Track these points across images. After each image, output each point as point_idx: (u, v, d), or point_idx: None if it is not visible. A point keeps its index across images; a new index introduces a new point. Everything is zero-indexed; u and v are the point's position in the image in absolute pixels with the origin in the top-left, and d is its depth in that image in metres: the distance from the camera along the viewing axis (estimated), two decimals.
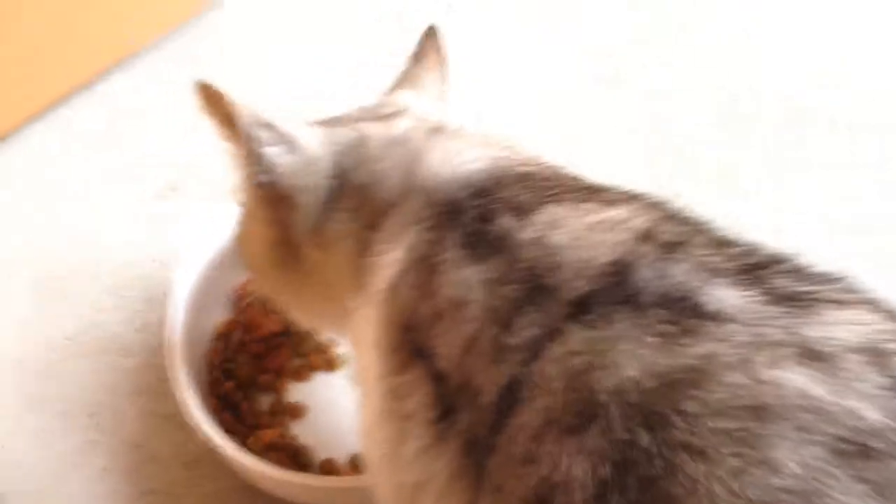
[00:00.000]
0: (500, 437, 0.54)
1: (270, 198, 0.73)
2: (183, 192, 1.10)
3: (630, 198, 0.64)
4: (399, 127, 0.73)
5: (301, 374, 0.95)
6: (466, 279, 0.60)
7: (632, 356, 0.51)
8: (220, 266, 0.93)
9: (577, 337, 0.54)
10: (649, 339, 0.51)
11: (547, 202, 0.63)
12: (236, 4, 1.28)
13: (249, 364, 0.94)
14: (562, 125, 1.14)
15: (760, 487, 0.45)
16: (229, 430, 0.88)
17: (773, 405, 0.47)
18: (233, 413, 0.91)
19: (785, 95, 1.16)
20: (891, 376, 0.48)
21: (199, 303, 0.92)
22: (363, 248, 0.69)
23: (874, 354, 0.49)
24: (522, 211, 0.63)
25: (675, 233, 0.59)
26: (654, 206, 0.63)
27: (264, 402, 0.93)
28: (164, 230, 1.07)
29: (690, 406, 0.48)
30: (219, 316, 0.97)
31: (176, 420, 0.92)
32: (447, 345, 0.59)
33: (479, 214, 0.64)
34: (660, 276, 0.55)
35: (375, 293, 0.66)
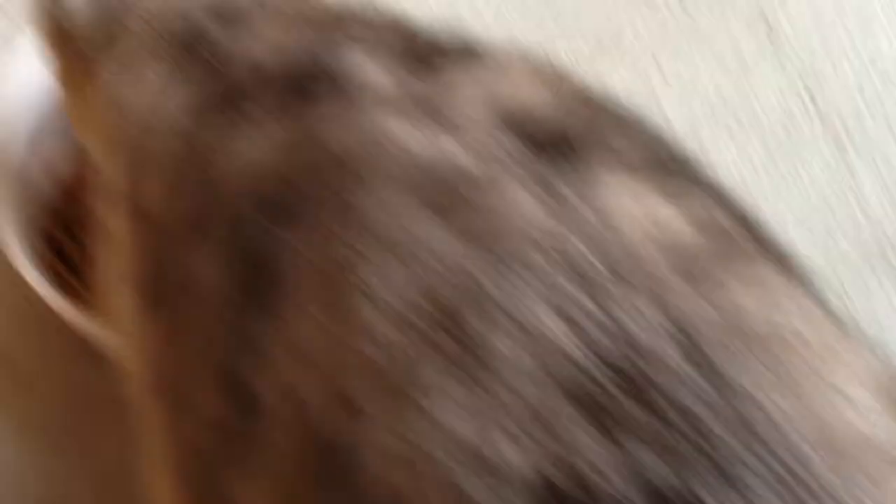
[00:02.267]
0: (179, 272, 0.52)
1: (64, 38, 0.67)
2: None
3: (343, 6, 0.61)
4: None
5: None
6: (166, 95, 0.56)
7: (260, 142, 0.49)
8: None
9: (232, 140, 0.50)
10: (284, 121, 0.49)
11: (256, 16, 0.58)
12: None
13: (84, 212, 0.85)
14: None
15: (344, 244, 0.44)
16: (64, 284, 0.81)
17: (367, 157, 0.46)
18: (67, 265, 0.83)
19: None
20: (505, 125, 0.46)
21: (34, 135, 0.83)
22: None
23: (497, 106, 0.47)
24: (233, 24, 0.58)
25: (363, 26, 0.56)
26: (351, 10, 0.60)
27: None
28: None
29: (294, 176, 0.47)
30: (54, 152, 0.87)
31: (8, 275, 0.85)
32: (142, 174, 0.56)
33: (195, 28, 0.59)
34: (314, 59, 0.52)
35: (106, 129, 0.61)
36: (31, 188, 0.83)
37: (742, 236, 0.45)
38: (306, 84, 0.51)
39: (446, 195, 0.44)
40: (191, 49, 0.58)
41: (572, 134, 0.46)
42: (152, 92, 0.57)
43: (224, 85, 0.54)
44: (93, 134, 0.68)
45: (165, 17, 0.62)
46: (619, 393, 0.37)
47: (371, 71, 0.50)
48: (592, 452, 0.36)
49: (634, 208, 0.43)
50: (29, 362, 0.83)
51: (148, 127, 0.56)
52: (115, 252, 0.59)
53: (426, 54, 0.52)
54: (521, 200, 0.43)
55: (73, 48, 0.67)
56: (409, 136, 0.46)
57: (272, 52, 0.54)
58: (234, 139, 0.50)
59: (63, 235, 0.84)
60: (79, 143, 0.87)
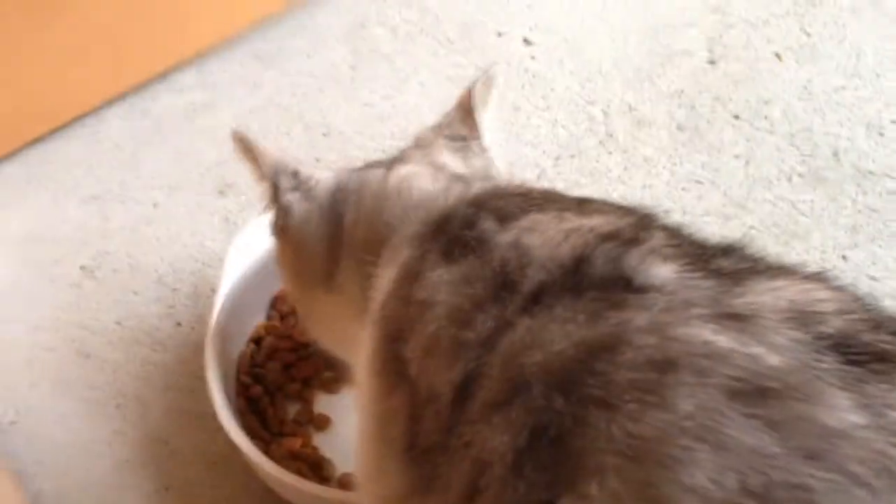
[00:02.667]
0: (452, 437, 0.54)
1: (287, 238, 0.79)
2: (238, 193, 1.11)
3: (617, 209, 0.64)
4: (400, 173, 0.75)
5: (330, 386, 0.94)
6: (437, 280, 0.61)
7: (560, 334, 0.52)
8: (264, 270, 0.94)
9: (522, 327, 0.54)
10: (579, 317, 0.52)
11: (531, 211, 0.63)
12: (319, 6, 1.29)
13: (279, 371, 0.94)
14: (631, 176, 1.12)
15: (654, 427, 0.45)
16: (254, 434, 0.88)
17: (676, 357, 0.48)
18: (258, 417, 0.91)
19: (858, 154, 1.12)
20: (810, 333, 0.48)
21: (240, 305, 0.93)
22: (367, 284, 0.69)
23: (799, 314, 0.49)
24: (506, 217, 0.63)
25: (642, 232, 0.59)
26: (635, 214, 0.63)
27: (291, 409, 0.92)
28: (217, 230, 1.08)
29: (601, 366, 0.49)
30: (257, 320, 0.97)
31: (202, 419, 0.93)
32: (414, 349, 0.59)
33: (466, 221, 0.64)
34: (608, 263, 0.55)
35: (372, 314, 0.66)
36: (231, 346, 0.93)
37: None
38: (600, 281, 0.54)
39: (759, 394, 0.45)
40: (450, 232, 0.64)
41: (882, 347, 0.47)
42: (411, 271, 0.63)
43: (495, 270, 0.58)
44: (318, 304, 0.78)
45: (412, 211, 0.70)
46: None
47: (665, 275, 0.53)
48: None
49: None
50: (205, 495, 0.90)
51: (415, 302, 0.61)
52: (363, 408, 0.64)
53: (718, 262, 0.55)
54: (838, 407, 0.44)
55: (295, 239, 0.77)
56: (715, 337, 0.48)
57: (551, 248, 0.58)
58: (514, 321, 0.54)
59: (255, 387, 0.92)
60: (276, 305, 0.97)
